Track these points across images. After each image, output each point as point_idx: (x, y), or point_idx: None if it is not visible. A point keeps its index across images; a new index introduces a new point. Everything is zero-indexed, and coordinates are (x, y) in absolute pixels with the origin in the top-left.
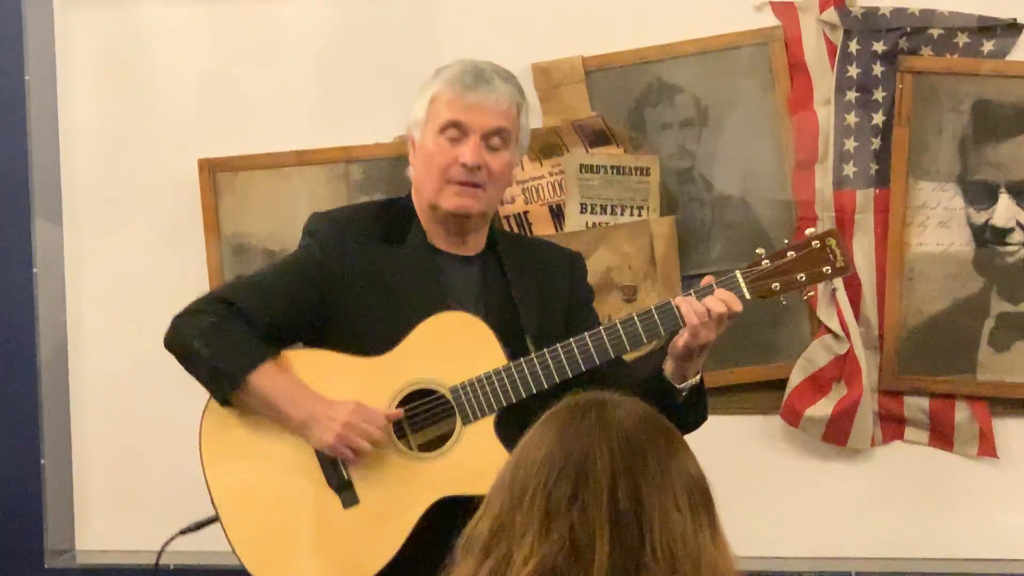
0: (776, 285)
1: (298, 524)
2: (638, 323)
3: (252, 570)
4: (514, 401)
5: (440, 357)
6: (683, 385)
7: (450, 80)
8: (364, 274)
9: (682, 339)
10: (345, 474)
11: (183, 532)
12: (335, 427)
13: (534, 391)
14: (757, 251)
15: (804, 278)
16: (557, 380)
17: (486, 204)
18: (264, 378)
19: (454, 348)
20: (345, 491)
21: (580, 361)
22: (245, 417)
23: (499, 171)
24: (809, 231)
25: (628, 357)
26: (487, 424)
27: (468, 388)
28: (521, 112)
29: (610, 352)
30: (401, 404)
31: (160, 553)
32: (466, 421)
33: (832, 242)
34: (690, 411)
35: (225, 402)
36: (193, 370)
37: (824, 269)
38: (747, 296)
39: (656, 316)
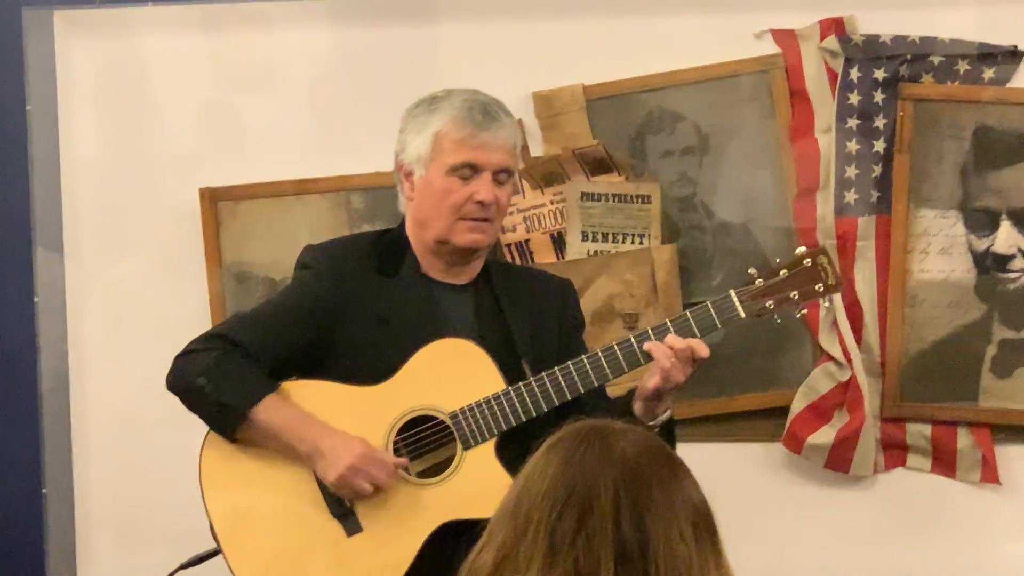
0: (769, 304)
1: (301, 554)
2: (634, 344)
3: None
4: (514, 425)
5: (438, 384)
6: (654, 423)
7: (458, 118)
8: (359, 306)
9: (652, 381)
10: (347, 502)
11: (184, 566)
12: (340, 468)
13: (534, 415)
14: (750, 271)
15: (797, 296)
16: (557, 403)
17: (493, 236)
18: (268, 412)
19: (452, 374)
20: (348, 519)
21: (579, 384)
22: (245, 449)
23: (506, 204)
24: (800, 250)
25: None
26: (488, 449)
27: (468, 413)
28: (518, 142)
29: (609, 375)
30: (401, 431)
31: None
32: (467, 446)
33: (823, 260)
34: None
35: (232, 437)
36: (197, 408)
37: (816, 287)
38: (742, 315)
39: (651, 335)
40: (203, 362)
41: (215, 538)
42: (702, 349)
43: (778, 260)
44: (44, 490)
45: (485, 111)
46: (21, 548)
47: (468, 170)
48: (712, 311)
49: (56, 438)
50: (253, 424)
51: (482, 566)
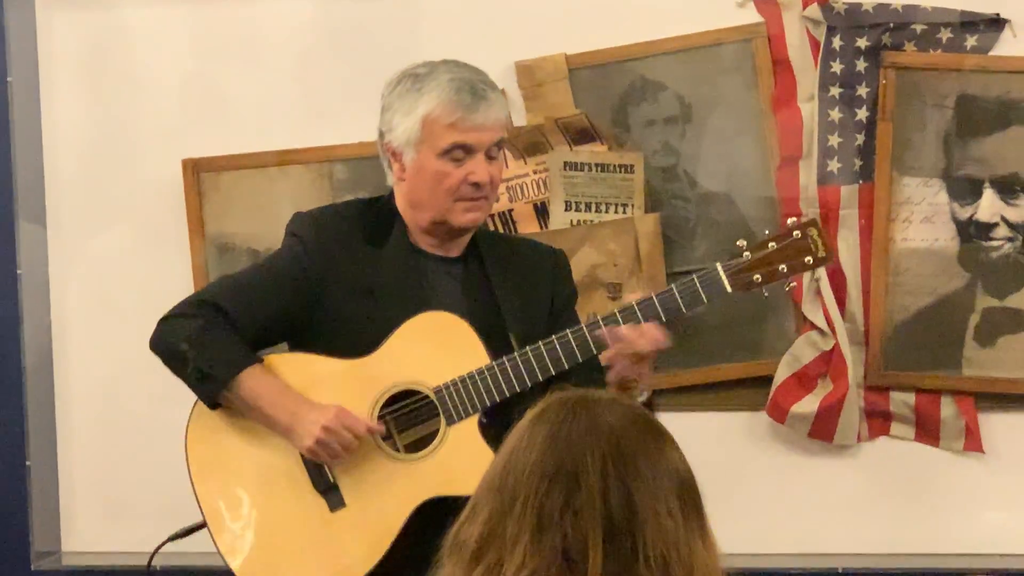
0: (757, 277)
1: (286, 529)
2: (619, 318)
3: None
4: (497, 400)
5: (423, 358)
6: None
7: (446, 101)
8: (346, 276)
9: (611, 375)
10: (331, 477)
11: (172, 538)
12: (315, 431)
13: (517, 390)
14: (738, 243)
15: (786, 269)
16: (540, 378)
17: (489, 210)
18: (251, 381)
19: (437, 348)
20: (331, 494)
21: (563, 358)
22: (230, 424)
23: (499, 178)
24: (791, 221)
25: None
26: (471, 424)
27: (451, 388)
28: (508, 123)
29: (593, 349)
30: (386, 405)
31: (152, 557)
32: (450, 421)
33: (814, 232)
34: None
35: (213, 404)
36: (180, 373)
37: (806, 259)
38: (728, 290)
39: (639, 313)
40: (187, 328)
41: (202, 513)
42: (639, 344)
43: (767, 232)
44: (28, 463)
45: (473, 91)
46: (5, 520)
47: (461, 152)
48: (698, 285)
49: (40, 411)
50: (235, 392)
51: (467, 540)
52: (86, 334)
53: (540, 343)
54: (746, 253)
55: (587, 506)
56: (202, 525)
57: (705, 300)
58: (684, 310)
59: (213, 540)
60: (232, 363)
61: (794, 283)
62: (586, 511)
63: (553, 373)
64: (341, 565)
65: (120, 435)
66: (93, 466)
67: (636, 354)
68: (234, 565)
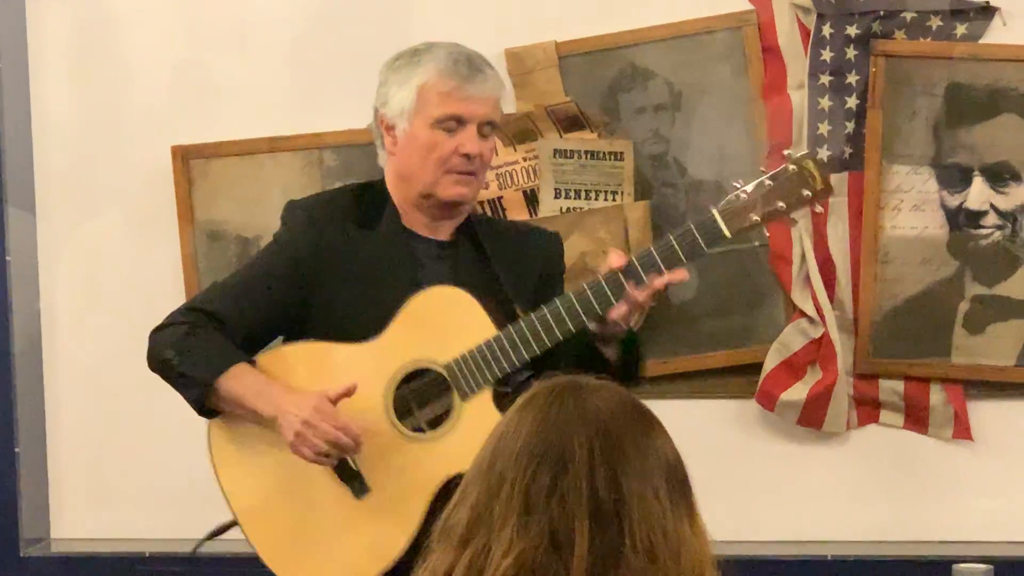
0: (755, 217)
1: (314, 520)
2: (621, 276)
3: (277, 572)
4: (508, 370)
5: (431, 334)
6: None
7: (443, 70)
8: (339, 261)
9: (614, 311)
10: (353, 464)
11: (207, 538)
12: (295, 424)
13: (527, 358)
14: (734, 183)
15: (784, 205)
16: (548, 344)
17: (478, 190)
18: (232, 381)
19: (443, 324)
20: (354, 481)
21: (568, 321)
22: (249, 420)
23: (489, 158)
24: (786, 152)
25: None
26: (486, 397)
27: (462, 363)
28: (502, 99)
29: (597, 310)
30: (400, 385)
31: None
32: (464, 396)
33: (810, 164)
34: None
35: (205, 411)
36: (171, 382)
37: (804, 192)
38: (727, 235)
39: (637, 265)
40: (173, 336)
41: (231, 511)
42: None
43: (761, 168)
44: (17, 450)
45: (470, 63)
46: None
47: (454, 123)
48: (697, 234)
49: (29, 398)
50: (220, 395)
51: (455, 524)
52: (75, 321)
53: (544, 307)
54: (741, 194)
55: (573, 489)
56: (233, 523)
57: (706, 249)
58: (685, 260)
59: (245, 536)
60: (214, 364)
61: (794, 220)
62: (572, 494)
63: (560, 338)
64: (374, 550)
65: (109, 422)
66: (82, 453)
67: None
68: (270, 563)
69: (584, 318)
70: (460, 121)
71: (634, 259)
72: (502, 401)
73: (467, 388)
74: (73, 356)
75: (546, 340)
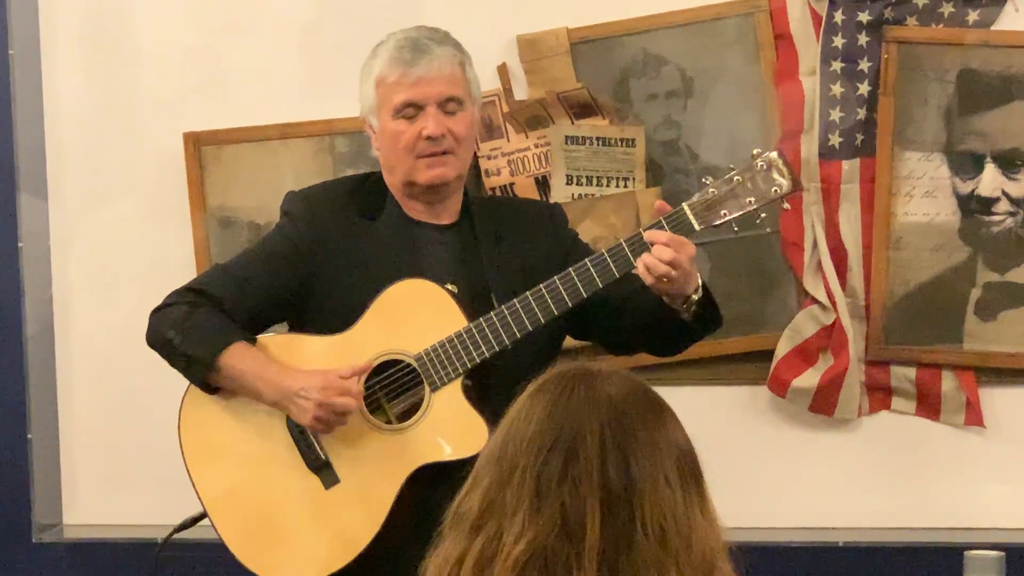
0: (724, 212)
1: (284, 510)
2: (590, 267)
3: (245, 563)
4: (478, 361)
5: (402, 326)
6: (688, 303)
7: (389, 60)
8: (340, 250)
9: (656, 291)
10: (323, 454)
11: (176, 531)
12: (310, 408)
13: (496, 348)
14: (704, 179)
15: (754, 201)
16: (518, 335)
17: (460, 168)
18: (234, 359)
19: (414, 316)
20: (324, 471)
21: (538, 312)
22: (220, 410)
23: (464, 133)
24: (754, 151)
25: None
26: (455, 388)
27: (432, 354)
28: (466, 67)
29: (567, 302)
30: (371, 376)
31: (160, 549)
32: (434, 388)
33: (779, 161)
34: (703, 324)
35: (207, 387)
36: (172, 361)
37: (772, 190)
38: (696, 227)
39: (609, 260)
40: (174, 315)
41: (201, 502)
42: (666, 254)
43: (731, 166)
44: (29, 436)
45: (415, 47)
46: (7, 494)
47: (411, 109)
48: (666, 227)
49: (41, 384)
50: (221, 373)
51: (468, 511)
52: (87, 307)
53: (515, 299)
54: (712, 190)
55: (585, 475)
56: (203, 515)
57: None
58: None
59: (214, 527)
60: (215, 341)
61: (764, 215)
62: (584, 480)
63: (530, 329)
64: (342, 539)
65: (121, 408)
66: (94, 439)
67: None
68: (238, 554)
69: (554, 309)
70: (416, 106)
71: (605, 252)
72: (470, 393)
73: (437, 379)
74: (85, 343)
75: (516, 331)
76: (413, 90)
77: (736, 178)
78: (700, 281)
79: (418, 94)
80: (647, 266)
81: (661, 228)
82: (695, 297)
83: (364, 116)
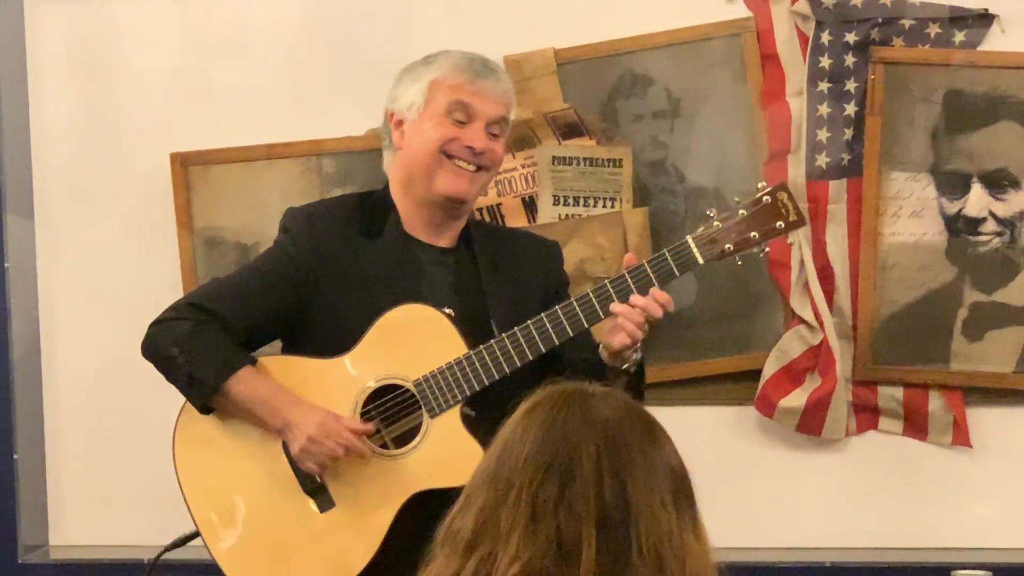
0: (729, 246)
1: (278, 533)
2: (593, 300)
3: None
4: (476, 389)
5: (401, 352)
6: (626, 367)
7: (456, 66)
8: (340, 269)
9: (618, 340)
10: (319, 478)
11: (167, 549)
12: (300, 441)
13: (496, 377)
14: (708, 212)
15: (757, 235)
16: (518, 364)
17: (479, 190)
18: (241, 384)
19: (414, 341)
20: (319, 495)
21: (539, 342)
22: (217, 429)
23: (499, 158)
24: (760, 185)
25: None
26: (453, 415)
27: (431, 380)
28: (513, 105)
29: (568, 331)
30: (368, 401)
31: (151, 569)
32: (432, 414)
33: (783, 196)
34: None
35: (206, 408)
36: (172, 378)
37: (777, 224)
38: (699, 261)
39: (612, 290)
40: (177, 332)
41: (194, 521)
42: (656, 310)
43: (736, 200)
44: (15, 456)
45: (484, 64)
46: None
47: (462, 113)
48: (669, 259)
49: (28, 404)
50: (226, 397)
51: (460, 530)
52: (74, 327)
53: (516, 328)
54: (716, 223)
55: (581, 498)
56: (196, 534)
57: (677, 273)
58: (658, 286)
59: (207, 548)
60: (223, 366)
61: (767, 248)
62: (580, 502)
63: (530, 357)
64: (335, 565)
65: (108, 428)
66: (81, 460)
67: (644, 320)
68: (230, 571)
69: (555, 339)
70: (468, 112)
71: (607, 283)
72: (468, 420)
73: (436, 406)
74: (72, 363)
75: (516, 360)
76: (475, 98)
77: (741, 211)
78: (640, 356)
79: (477, 102)
80: (622, 314)
81: (664, 262)
82: (634, 359)
83: (397, 113)
